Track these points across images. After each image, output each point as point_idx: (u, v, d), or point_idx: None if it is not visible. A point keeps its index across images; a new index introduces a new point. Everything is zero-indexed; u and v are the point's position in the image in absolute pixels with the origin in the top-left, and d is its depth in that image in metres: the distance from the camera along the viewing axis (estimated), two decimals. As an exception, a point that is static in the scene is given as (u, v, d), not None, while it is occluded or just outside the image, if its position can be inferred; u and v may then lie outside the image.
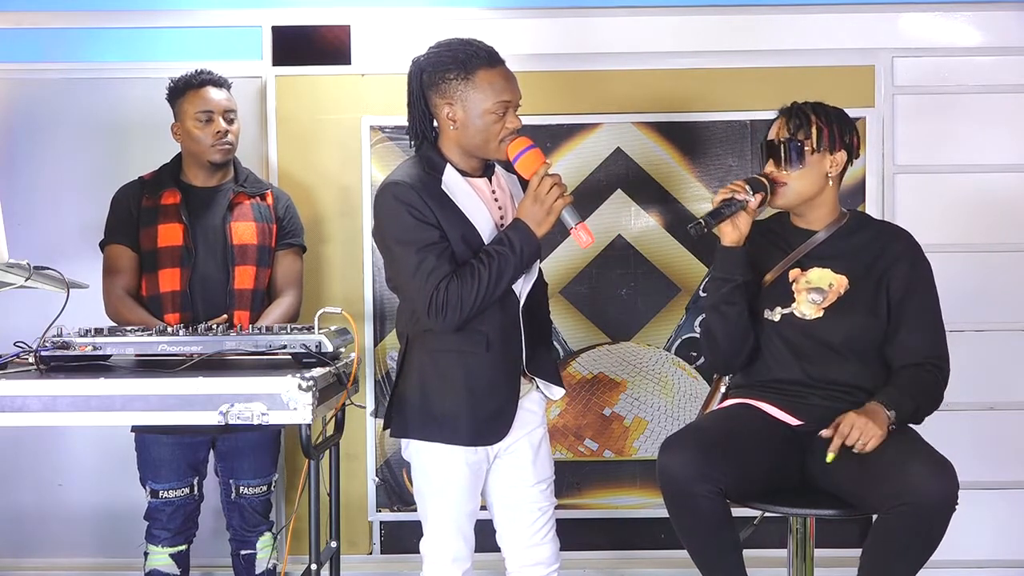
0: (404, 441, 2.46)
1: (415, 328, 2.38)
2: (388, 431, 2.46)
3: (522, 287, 2.38)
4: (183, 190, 3.01)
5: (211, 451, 3.09)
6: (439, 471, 2.39)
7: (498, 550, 2.54)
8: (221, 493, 3.11)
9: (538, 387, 2.48)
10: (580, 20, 3.50)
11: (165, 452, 2.98)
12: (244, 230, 3.00)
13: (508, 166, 2.41)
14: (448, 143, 2.36)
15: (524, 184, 2.36)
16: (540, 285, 2.49)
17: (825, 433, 2.30)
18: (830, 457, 2.26)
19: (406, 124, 2.69)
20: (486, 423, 2.36)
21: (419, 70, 2.35)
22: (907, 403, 2.33)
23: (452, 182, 2.34)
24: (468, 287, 2.24)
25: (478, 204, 2.35)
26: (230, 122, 3.00)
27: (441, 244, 2.27)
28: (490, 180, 2.42)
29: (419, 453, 2.42)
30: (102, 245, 3.04)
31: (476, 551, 2.46)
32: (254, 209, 3.04)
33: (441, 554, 2.42)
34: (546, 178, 2.27)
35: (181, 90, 3.00)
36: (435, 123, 2.38)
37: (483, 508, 2.49)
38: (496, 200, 2.41)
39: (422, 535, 2.47)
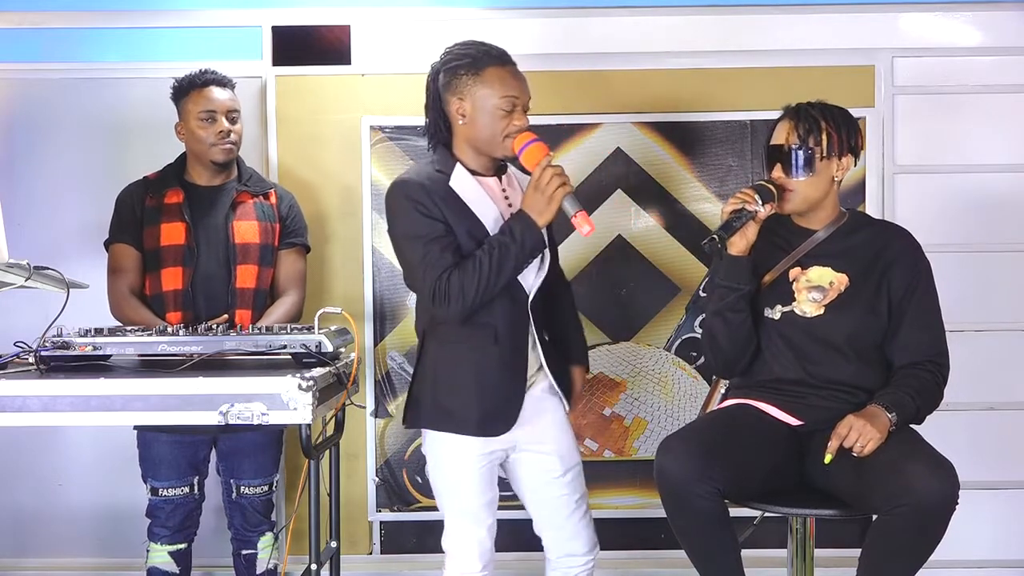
0: (422, 436, 2.51)
1: (430, 322, 2.45)
2: (404, 424, 2.54)
3: (532, 282, 2.43)
4: (186, 189, 3.01)
5: (212, 450, 3.09)
6: (452, 462, 2.44)
7: (533, 549, 2.60)
8: (223, 492, 3.11)
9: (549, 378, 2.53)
10: (580, 20, 3.49)
11: (165, 450, 2.98)
12: (246, 229, 3.01)
13: (521, 166, 2.47)
14: (459, 141, 2.44)
15: None
16: (558, 280, 2.54)
17: (829, 459, 2.28)
18: (828, 459, 2.26)
19: (406, 124, 2.71)
20: (493, 414, 2.41)
21: (435, 72, 2.45)
22: (909, 405, 2.32)
23: (461, 180, 2.42)
24: (470, 276, 2.31)
25: (485, 201, 2.43)
26: (233, 122, 3.00)
27: (446, 237, 2.35)
28: (500, 179, 2.50)
29: (432, 445, 2.48)
30: (107, 244, 3.04)
31: (514, 551, 2.47)
32: (257, 208, 3.04)
33: (461, 546, 2.47)
34: (547, 168, 2.33)
35: (185, 90, 3.00)
36: (449, 123, 2.45)
37: (520, 508, 2.56)
38: (507, 198, 2.48)
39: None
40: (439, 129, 2.46)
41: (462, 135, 2.43)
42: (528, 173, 2.39)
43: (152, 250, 2.98)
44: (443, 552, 2.52)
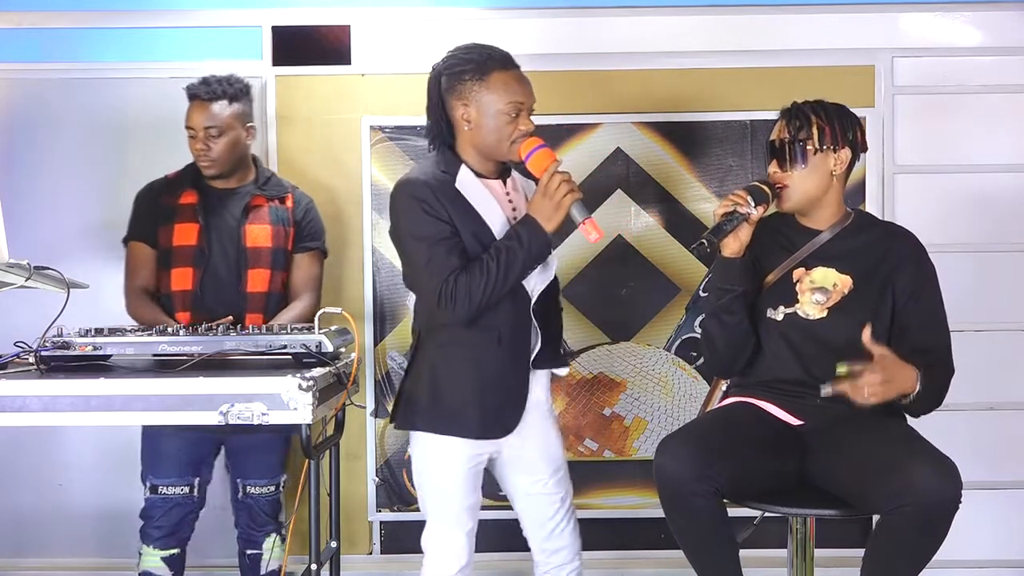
0: (410, 436, 2.49)
1: (429, 323, 2.43)
2: (393, 424, 2.51)
3: (534, 285, 2.42)
4: (202, 190, 3.02)
5: (221, 449, 3.09)
6: (439, 464, 2.43)
7: (520, 550, 2.60)
8: (230, 491, 3.12)
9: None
10: (580, 20, 3.50)
11: (168, 446, 2.98)
12: (259, 233, 3.01)
13: (525, 170, 2.46)
14: (464, 144, 2.43)
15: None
16: (552, 283, 2.51)
17: (843, 370, 2.23)
18: (841, 368, 2.22)
19: (406, 124, 2.66)
20: (494, 416, 2.40)
21: (437, 74, 2.42)
22: (930, 387, 2.30)
23: (466, 182, 2.40)
24: (477, 279, 2.29)
25: (491, 203, 2.41)
26: (210, 137, 2.96)
27: (452, 239, 2.33)
28: (505, 182, 2.48)
29: (422, 445, 2.46)
30: (124, 241, 3.07)
31: (503, 551, 2.46)
32: (271, 212, 3.05)
33: (440, 548, 2.46)
34: (556, 175, 2.33)
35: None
36: (452, 126, 2.43)
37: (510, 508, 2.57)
38: (511, 201, 2.47)
39: (422, 535, 2.48)
40: (441, 131, 2.44)
41: (467, 139, 2.42)
42: (535, 179, 2.38)
43: (165, 249, 3.00)
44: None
